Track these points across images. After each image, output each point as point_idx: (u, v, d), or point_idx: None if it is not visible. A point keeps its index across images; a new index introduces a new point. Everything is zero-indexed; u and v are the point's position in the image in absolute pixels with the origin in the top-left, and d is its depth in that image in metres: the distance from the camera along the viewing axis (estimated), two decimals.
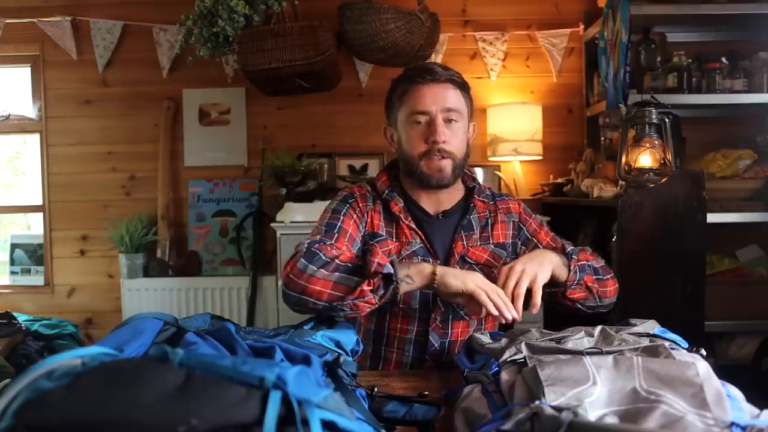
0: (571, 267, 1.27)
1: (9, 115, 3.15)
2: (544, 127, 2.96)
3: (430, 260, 1.36)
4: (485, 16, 3.10)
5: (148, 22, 3.02)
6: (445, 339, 1.37)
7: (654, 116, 2.03)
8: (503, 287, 1.19)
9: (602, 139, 2.67)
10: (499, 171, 2.98)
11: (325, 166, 3.04)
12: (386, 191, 1.41)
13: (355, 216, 1.37)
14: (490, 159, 3.03)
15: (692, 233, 1.96)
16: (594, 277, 1.31)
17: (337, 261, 1.18)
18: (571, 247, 1.35)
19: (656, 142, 2.04)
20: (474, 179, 1.48)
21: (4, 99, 3.20)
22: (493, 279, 1.33)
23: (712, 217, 2.06)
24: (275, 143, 3.08)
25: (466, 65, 3.11)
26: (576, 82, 3.10)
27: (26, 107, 3.16)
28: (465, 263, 1.37)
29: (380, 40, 2.66)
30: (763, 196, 2.30)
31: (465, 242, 1.38)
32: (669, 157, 2.02)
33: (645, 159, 2.04)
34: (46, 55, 3.09)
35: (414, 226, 1.38)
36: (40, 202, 3.15)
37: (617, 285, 1.37)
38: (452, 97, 1.35)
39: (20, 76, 3.18)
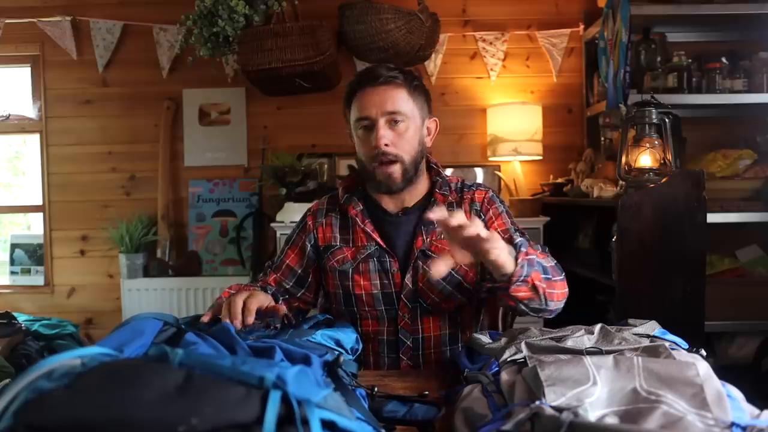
0: (519, 260, 1.14)
1: (9, 115, 3.15)
2: (544, 127, 2.96)
3: (387, 260, 1.36)
4: (485, 16, 3.10)
5: (148, 22, 3.02)
6: (417, 336, 1.37)
7: (654, 116, 2.03)
8: (459, 224, 1.03)
9: (602, 139, 2.67)
10: (499, 171, 2.98)
11: (325, 166, 3.04)
12: (346, 196, 1.43)
13: (300, 242, 1.45)
14: (490, 159, 3.03)
15: (692, 233, 1.96)
16: (542, 275, 1.18)
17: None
18: (520, 239, 1.21)
19: (656, 142, 2.04)
20: (439, 173, 1.45)
21: (4, 99, 3.20)
22: (459, 271, 1.34)
23: (712, 217, 2.06)
24: (275, 143, 3.08)
25: (466, 65, 3.11)
26: (576, 82, 3.10)
27: (26, 107, 3.16)
28: (427, 258, 1.35)
29: (380, 40, 2.67)
30: (763, 196, 2.30)
31: (425, 237, 1.37)
32: (669, 157, 2.02)
33: (645, 159, 2.05)
34: (46, 55, 3.09)
35: (369, 228, 1.38)
36: (40, 202, 3.15)
37: (567, 289, 1.26)
38: (394, 98, 1.32)
39: (20, 76, 3.18)
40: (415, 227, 1.39)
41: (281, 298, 1.40)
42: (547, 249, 1.34)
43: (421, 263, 1.36)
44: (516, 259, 1.14)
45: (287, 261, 1.45)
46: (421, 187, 1.43)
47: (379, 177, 1.35)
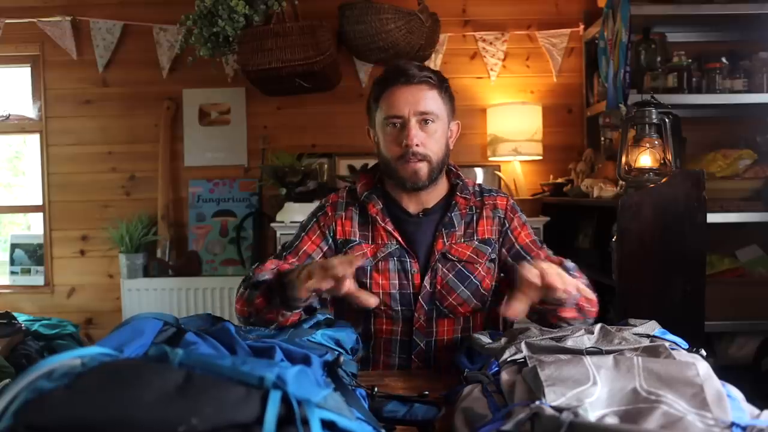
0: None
1: (9, 115, 3.15)
2: (544, 127, 2.96)
3: (407, 260, 1.35)
4: (485, 16, 3.10)
5: (148, 22, 3.02)
6: (430, 338, 1.35)
7: (654, 116, 2.03)
8: (545, 273, 1.06)
9: (602, 139, 2.67)
10: (499, 171, 2.98)
11: (325, 166, 3.04)
12: (365, 194, 1.42)
13: (318, 231, 1.41)
14: (490, 159, 3.03)
15: (692, 233, 1.96)
16: (586, 297, 1.23)
17: (252, 279, 1.25)
18: (569, 263, 1.28)
19: (656, 142, 2.04)
20: (459, 176, 1.45)
21: (4, 99, 3.20)
22: (477, 276, 1.35)
23: (712, 217, 2.06)
24: (275, 143, 3.08)
25: (466, 65, 3.11)
26: (576, 82, 3.10)
27: (26, 107, 3.16)
28: (447, 261, 1.35)
29: (380, 40, 2.67)
30: (763, 196, 2.30)
31: (446, 240, 1.36)
32: (669, 157, 2.02)
33: (645, 159, 2.05)
34: (46, 55, 3.09)
35: (390, 227, 1.37)
36: (40, 202, 3.15)
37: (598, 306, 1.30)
38: (426, 98, 1.33)
39: (20, 76, 3.18)
40: (435, 229, 1.38)
41: None
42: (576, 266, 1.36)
43: (440, 266, 1.35)
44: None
45: (304, 247, 1.40)
46: (441, 188, 1.43)
47: (403, 174, 1.34)
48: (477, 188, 1.46)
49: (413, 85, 1.32)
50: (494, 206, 1.43)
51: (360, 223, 1.41)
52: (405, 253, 1.36)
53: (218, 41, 2.60)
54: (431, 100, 1.33)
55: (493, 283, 1.39)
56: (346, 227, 1.41)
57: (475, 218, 1.41)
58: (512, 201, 1.46)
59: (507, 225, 1.42)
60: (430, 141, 1.33)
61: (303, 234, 1.42)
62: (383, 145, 1.38)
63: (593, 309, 1.26)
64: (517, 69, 3.12)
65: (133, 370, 0.56)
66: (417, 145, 1.31)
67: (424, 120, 1.33)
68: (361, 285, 1.35)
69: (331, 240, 1.41)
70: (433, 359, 1.36)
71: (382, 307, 1.36)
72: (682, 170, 2.08)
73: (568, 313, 1.20)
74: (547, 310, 1.19)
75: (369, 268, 1.36)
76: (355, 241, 1.39)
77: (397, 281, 1.35)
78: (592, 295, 1.26)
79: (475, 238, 1.39)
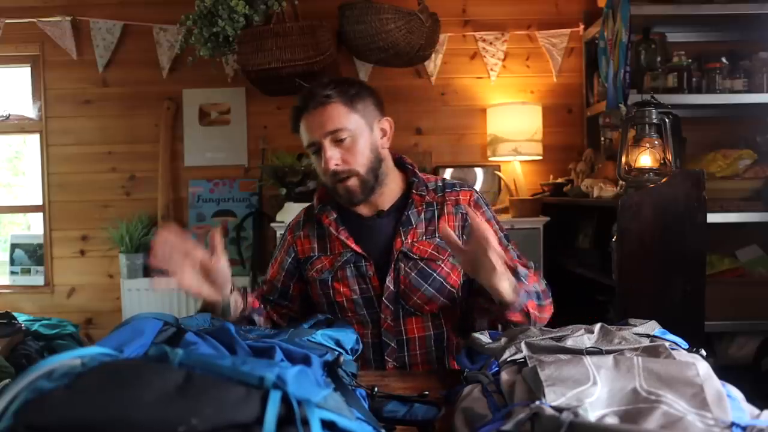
0: (520, 292, 1.20)
1: (9, 115, 3.15)
2: (544, 127, 2.96)
3: (363, 264, 1.36)
4: (485, 16, 3.10)
5: (148, 22, 3.03)
6: (400, 337, 1.35)
7: (654, 116, 2.04)
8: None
9: (602, 139, 2.67)
10: (499, 171, 2.98)
11: None
12: (319, 207, 1.44)
13: (280, 257, 1.47)
14: (490, 159, 3.03)
15: (692, 233, 1.96)
16: (536, 303, 1.25)
17: None
18: (522, 269, 1.26)
19: (656, 142, 2.04)
20: (415, 174, 1.43)
21: (4, 99, 3.20)
22: (440, 273, 1.35)
23: (712, 217, 2.06)
24: (275, 143, 3.08)
25: (466, 65, 3.11)
26: (576, 82, 3.10)
27: (26, 107, 3.16)
28: (408, 259, 1.34)
29: (380, 40, 2.67)
30: (763, 196, 2.30)
31: (404, 238, 1.35)
32: (669, 157, 2.02)
33: (645, 159, 2.05)
34: (46, 55, 3.09)
35: (343, 236, 1.38)
36: (40, 202, 3.15)
37: (553, 310, 1.32)
38: (333, 117, 1.31)
39: (20, 76, 3.18)
40: (393, 229, 1.38)
41: (269, 306, 1.44)
42: (536, 266, 1.38)
43: (402, 265, 1.34)
44: (517, 290, 1.20)
45: (268, 277, 1.48)
46: (394, 188, 1.42)
47: (340, 192, 1.35)
48: (439, 183, 1.44)
49: (317, 108, 1.32)
50: (456, 202, 1.40)
51: (318, 236, 1.43)
52: (360, 258, 1.36)
53: (218, 41, 2.60)
54: (337, 117, 1.31)
55: (461, 279, 1.38)
56: (305, 245, 1.43)
57: (436, 214, 1.39)
58: (476, 195, 1.44)
59: (468, 221, 1.38)
60: (350, 155, 1.32)
61: (271, 263, 1.49)
62: (316, 169, 1.40)
63: (543, 315, 1.28)
64: (517, 69, 3.12)
65: (133, 370, 0.56)
66: (336, 164, 1.31)
67: (337, 138, 1.32)
68: (326, 296, 1.39)
69: (290, 263, 1.44)
70: (408, 358, 1.35)
71: (350, 314, 1.37)
72: (682, 170, 2.08)
73: (514, 317, 1.22)
74: (497, 313, 1.23)
75: (329, 279, 1.37)
76: (314, 256, 1.41)
77: (357, 287, 1.36)
78: (547, 300, 1.30)
79: (437, 235, 1.37)
